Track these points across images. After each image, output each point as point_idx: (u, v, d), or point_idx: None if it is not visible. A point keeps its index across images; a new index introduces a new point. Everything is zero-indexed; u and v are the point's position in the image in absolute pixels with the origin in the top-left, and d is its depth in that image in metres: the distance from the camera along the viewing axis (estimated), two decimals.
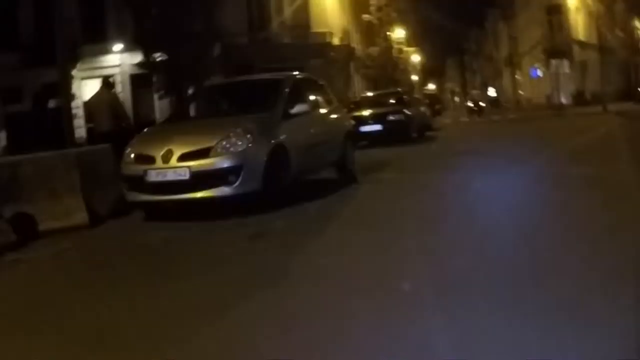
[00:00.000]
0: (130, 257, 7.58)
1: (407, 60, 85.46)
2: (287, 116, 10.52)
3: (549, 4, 55.15)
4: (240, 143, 9.35)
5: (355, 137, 14.51)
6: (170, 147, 9.39)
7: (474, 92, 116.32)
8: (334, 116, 13.03)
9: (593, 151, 14.92)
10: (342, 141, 12.83)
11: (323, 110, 12.62)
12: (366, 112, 23.73)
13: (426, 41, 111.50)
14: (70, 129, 16.24)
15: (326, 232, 7.77)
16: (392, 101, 25.50)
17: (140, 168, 9.56)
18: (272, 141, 9.85)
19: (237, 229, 8.43)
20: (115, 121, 14.36)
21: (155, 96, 34.13)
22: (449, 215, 8.00)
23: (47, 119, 26.30)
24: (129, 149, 10.08)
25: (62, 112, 16.95)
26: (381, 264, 5.94)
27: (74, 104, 38.36)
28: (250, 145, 9.38)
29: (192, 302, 5.36)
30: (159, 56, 32.57)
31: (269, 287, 5.47)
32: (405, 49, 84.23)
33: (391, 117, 23.17)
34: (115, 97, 15.64)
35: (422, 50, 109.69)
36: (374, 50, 54.94)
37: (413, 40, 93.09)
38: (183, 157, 9.25)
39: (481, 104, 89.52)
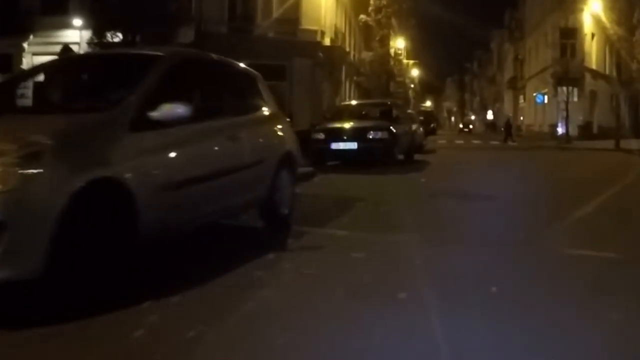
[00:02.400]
0: None
1: (405, 73, 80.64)
2: (144, 124, 5.48)
3: (565, 26, 50.36)
4: (7, 175, 4.36)
5: (297, 164, 9.14)
6: None
7: (472, 117, 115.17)
8: (260, 130, 8.07)
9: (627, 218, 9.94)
10: (272, 172, 7.94)
11: (241, 119, 7.60)
12: (341, 126, 18.99)
13: (427, 56, 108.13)
14: None
15: None
16: (377, 114, 20.67)
17: None
18: (91, 172, 4.83)
19: None
20: None
21: None
22: None
23: None
24: None
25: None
26: None
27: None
28: (32, 179, 4.43)
29: None
30: (112, 36, 28.00)
31: None
32: (405, 61, 79.52)
33: (372, 135, 18.38)
34: None
35: (422, 65, 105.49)
36: (367, 55, 49.46)
37: (413, 53, 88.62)
38: None
39: (471, 126, 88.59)
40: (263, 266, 6.19)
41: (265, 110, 8.37)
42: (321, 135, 18.52)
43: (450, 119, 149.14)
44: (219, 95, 7.27)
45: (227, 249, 6.98)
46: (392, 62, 60.13)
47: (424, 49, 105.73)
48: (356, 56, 49.26)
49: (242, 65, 8.70)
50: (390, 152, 18.42)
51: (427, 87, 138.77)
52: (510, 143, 43.21)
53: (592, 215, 9.76)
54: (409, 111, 31.92)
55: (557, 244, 7.53)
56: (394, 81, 66.41)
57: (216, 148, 6.68)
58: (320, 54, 37.48)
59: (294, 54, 35.02)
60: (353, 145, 18.09)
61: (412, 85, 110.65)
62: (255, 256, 6.46)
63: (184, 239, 6.65)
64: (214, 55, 7.62)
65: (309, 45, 36.40)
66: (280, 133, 8.59)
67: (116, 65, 6.89)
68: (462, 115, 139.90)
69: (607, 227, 8.83)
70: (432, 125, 66.01)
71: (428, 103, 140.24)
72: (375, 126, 18.79)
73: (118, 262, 5.05)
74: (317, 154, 18.28)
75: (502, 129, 46.33)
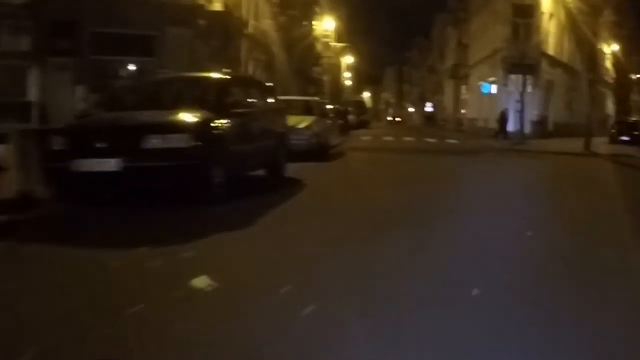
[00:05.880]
0: None
1: (331, 58, 70.98)
2: None
3: (520, 2, 41.32)
4: None
5: None
6: None
7: (410, 109, 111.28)
8: None
9: None
10: None
11: None
12: (96, 124, 9.44)
13: (367, 44, 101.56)
14: None
15: None
16: (199, 99, 10.80)
17: None
18: None
19: None
20: None
21: None
22: None
23: None
24: None
25: None
26: None
27: None
28: None
29: None
30: None
31: None
32: (333, 43, 70.07)
33: (151, 142, 8.55)
34: None
35: (361, 54, 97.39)
36: (265, 24, 38.04)
37: (350, 39, 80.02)
38: None
39: (399, 118, 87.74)
40: None
41: None
42: (61, 144, 8.83)
43: (387, 111, 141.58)
44: None
45: None
46: (316, 46, 50.88)
47: (364, 37, 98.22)
48: (259, 28, 38.75)
49: None
50: (201, 176, 8.85)
51: (366, 78, 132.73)
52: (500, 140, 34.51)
53: None
54: (282, 98, 20.61)
55: None
56: (318, 65, 57.32)
57: None
58: (202, 22, 28.08)
59: (167, 22, 26.45)
60: (112, 165, 8.36)
61: (349, 74, 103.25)
62: None
63: None
64: None
65: (187, 10, 27.31)
66: None
67: None
68: (399, 107, 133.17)
69: None
70: (362, 117, 57.42)
71: (366, 94, 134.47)
72: (163, 124, 8.92)
73: None
74: (55, 179, 8.77)
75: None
